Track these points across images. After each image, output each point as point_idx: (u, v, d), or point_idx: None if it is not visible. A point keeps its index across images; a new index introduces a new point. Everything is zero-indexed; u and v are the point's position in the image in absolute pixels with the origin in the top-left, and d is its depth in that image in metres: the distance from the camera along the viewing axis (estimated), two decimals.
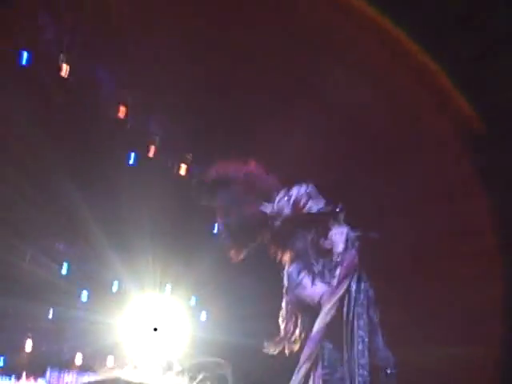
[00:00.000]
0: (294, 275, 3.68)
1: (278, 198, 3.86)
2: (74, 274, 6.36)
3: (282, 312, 3.88)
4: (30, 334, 6.17)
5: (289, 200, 3.86)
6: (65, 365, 6.25)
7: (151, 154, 6.24)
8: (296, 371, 3.42)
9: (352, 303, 3.61)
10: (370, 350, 3.63)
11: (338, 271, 3.60)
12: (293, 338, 3.84)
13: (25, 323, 6.19)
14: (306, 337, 3.62)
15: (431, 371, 5.13)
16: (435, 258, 5.64)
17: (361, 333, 3.62)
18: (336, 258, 3.68)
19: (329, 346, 3.58)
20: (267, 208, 3.87)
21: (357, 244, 3.65)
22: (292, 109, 5.59)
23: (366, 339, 3.61)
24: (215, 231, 6.63)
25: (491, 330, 5.46)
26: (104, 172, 6.02)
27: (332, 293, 3.58)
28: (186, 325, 6.51)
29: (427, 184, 5.80)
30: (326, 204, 3.83)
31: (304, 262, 3.67)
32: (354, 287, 3.60)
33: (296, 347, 3.74)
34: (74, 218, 6.05)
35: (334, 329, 3.52)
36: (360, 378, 3.54)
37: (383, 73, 5.51)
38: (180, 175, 6.37)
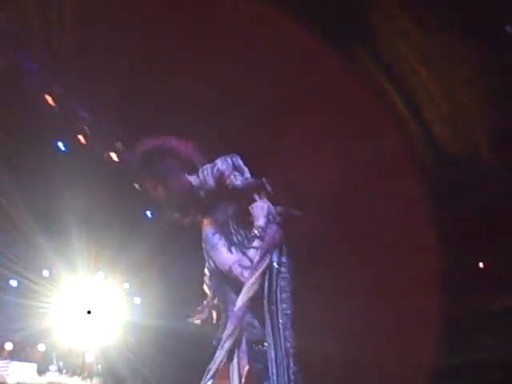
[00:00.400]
0: (211, 237, 3.78)
1: (202, 169, 3.97)
2: (4, 260, 6.30)
3: (206, 278, 3.99)
4: None
5: (212, 171, 3.96)
6: None
7: (82, 141, 6.23)
8: (220, 346, 3.54)
9: (274, 277, 3.75)
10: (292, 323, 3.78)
11: (257, 244, 3.72)
12: (215, 304, 3.95)
13: None
14: (227, 305, 3.71)
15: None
16: (358, 239, 5.81)
17: (284, 306, 3.77)
18: (257, 232, 3.79)
19: (252, 320, 3.71)
20: (192, 179, 3.97)
21: (278, 219, 3.80)
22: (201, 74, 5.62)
23: (289, 311, 3.77)
24: (148, 217, 6.77)
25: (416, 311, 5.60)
26: (33, 158, 5.96)
27: (254, 268, 3.70)
28: (119, 308, 6.56)
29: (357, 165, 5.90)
30: (251, 177, 3.95)
31: (223, 230, 3.78)
32: (276, 261, 3.74)
33: (216, 314, 3.82)
34: (3, 205, 6.02)
35: (257, 303, 3.65)
36: (284, 352, 3.70)
37: None
38: (111, 161, 6.38)
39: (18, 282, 6.34)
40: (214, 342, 3.79)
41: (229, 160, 3.98)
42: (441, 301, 5.74)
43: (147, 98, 5.85)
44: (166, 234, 5.88)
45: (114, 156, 6.35)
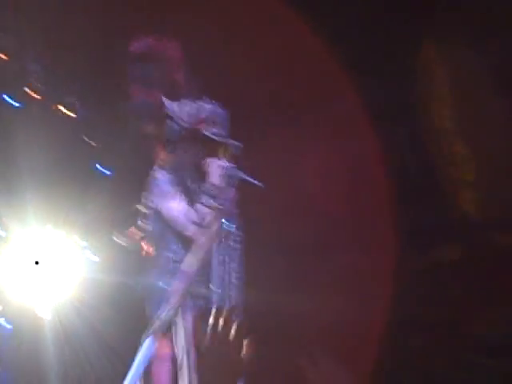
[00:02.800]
0: (162, 185, 3.74)
1: (183, 100, 3.85)
2: None
3: (143, 214, 3.96)
4: None
5: (191, 108, 3.85)
6: None
7: (32, 95, 6.10)
8: (166, 302, 3.55)
9: (227, 238, 3.75)
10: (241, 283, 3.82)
11: (207, 201, 3.69)
12: (148, 238, 3.95)
13: None
14: (162, 249, 3.71)
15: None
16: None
17: (234, 266, 3.80)
18: (212, 190, 3.76)
19: (201, 280, 3.72)
20: (168, 104, 3.85)
21: (236, 183, 3.76)
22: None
23: (240, 274, 3.80)
24: (101, 171, 6.70)
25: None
26: None
27: (207, 228, 3.71)
28: (70, 262, 6.53)
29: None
30: (226, 134, 3.87)
31: (178, 175, 3.72)
32: (229, 222, 3.74)
33: (149, 249, 3.82)
34: None
35: (206, 264, 3.66)
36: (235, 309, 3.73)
37: None
38: (63, 115, 6.28)
39: None
40: (139, 289, 3.77)
41: (213, 107, 3.87)
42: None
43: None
44: (118, 189, 5.85)
45: (64, 110, 6.24)
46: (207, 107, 3.88)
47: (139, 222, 4.07)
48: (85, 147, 6.27)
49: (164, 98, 3.90)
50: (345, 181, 5.70)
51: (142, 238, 4.10)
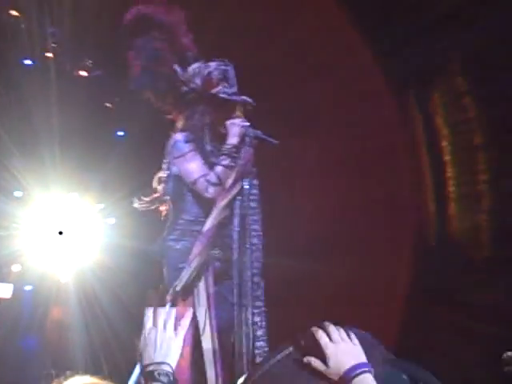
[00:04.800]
0: (180, 145, 3.69)
1: (194, 65, 3.80)
2: None
3: (159, 177, 3.91)
4: None
5: (203, 71, 3.80)
6: None
7: (50, 58, 6.05)
8: (187, 265, 3.51)
9: (246, 198, 3.69)
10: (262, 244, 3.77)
11: (226, 162, 3.63)
12: (164, 200, 3.90)
13: None
14: (181, 212, 3.64)
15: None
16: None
17: (256, 227, 3.74)
18: (228, 149, 3.70)
19: (221, 242, 3.67)
20: (179, 70, 3.80)
21: (254, 143, 3.69)
22: None
23: (261, 233, 3.74)
24: (120, 135, 6.66)
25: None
26: (2, 78, 5.84)
27: (227, 191, 3.64)
28: (93, 229, 6.53)
29: None
30: (238, 92, 3.81)
31: (196, 138, 3.67)
32: (247, 183, 3.67)
33: (165, 212, 3.76)
34: None
35: (226, 226, 3.61)
36: (255, 270, 3.69)
37: None
38: (82, 79, 6.22)
39: None
40: (159, 257, 3.74)
41: (223, 67, 3.82)
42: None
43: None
44: (137, 153, 5.82)
45: (84, 73, 6.19)
46: (217, 67, 3.81)
47: (159, 186, 4.02)
48: (104, 111, 6.23)
49: (175, 66, 3.83)
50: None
51: (162, 202, 4.05)
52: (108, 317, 5.68)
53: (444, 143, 5.60)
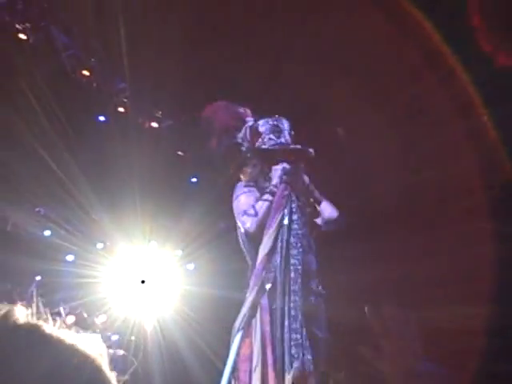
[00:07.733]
0: (239, 187, 3.95)
1: (245, 126, 4.11)
2: (58, 234, 6.40)
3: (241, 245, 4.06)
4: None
5: (251, 130, 4.09)
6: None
7: (122, 113, 6.22)
8: (244, 304, 3.54)
9: (285, 234, 3.77)
10: (302, 277, 3.78)
11: (266, 196, 3.80)
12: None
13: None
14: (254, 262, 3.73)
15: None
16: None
17: (293, 261, 3.78)
18: (270, 187, 3.93)
19: (269, 275, 3.71)
20: (238, 134, 4.13)
21: (285, 178, 3.85)
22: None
23: (299, 267, 3.76)
24: (193, 181, 6.76)
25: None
26: (79, 131, 6.03)
27: (268, 226, 3.74)
28: (173, 277, 6.60)
29: None
30: (286, 141, 4.00)
31: (254, 184, 3.94)
32: (287, 218, 3.77)
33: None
34: (64, 181, 6.09)
35: (273, 260, 3.67)
36: (292, 304, 3.69)
37: None
38: (153, 130, 6.38)
39: (75, 256, 6.44)
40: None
41: (270, 122, 4.02)
42: None
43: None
44: (215, 201, 5.88)
45: (155, 125, 6.34)
46: (265, 125, 4.14)
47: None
48: (177, 159, 6.36)
49: (236, 133, 4.22)
50: None
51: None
52: (186, 364, 5.71)
53: None
